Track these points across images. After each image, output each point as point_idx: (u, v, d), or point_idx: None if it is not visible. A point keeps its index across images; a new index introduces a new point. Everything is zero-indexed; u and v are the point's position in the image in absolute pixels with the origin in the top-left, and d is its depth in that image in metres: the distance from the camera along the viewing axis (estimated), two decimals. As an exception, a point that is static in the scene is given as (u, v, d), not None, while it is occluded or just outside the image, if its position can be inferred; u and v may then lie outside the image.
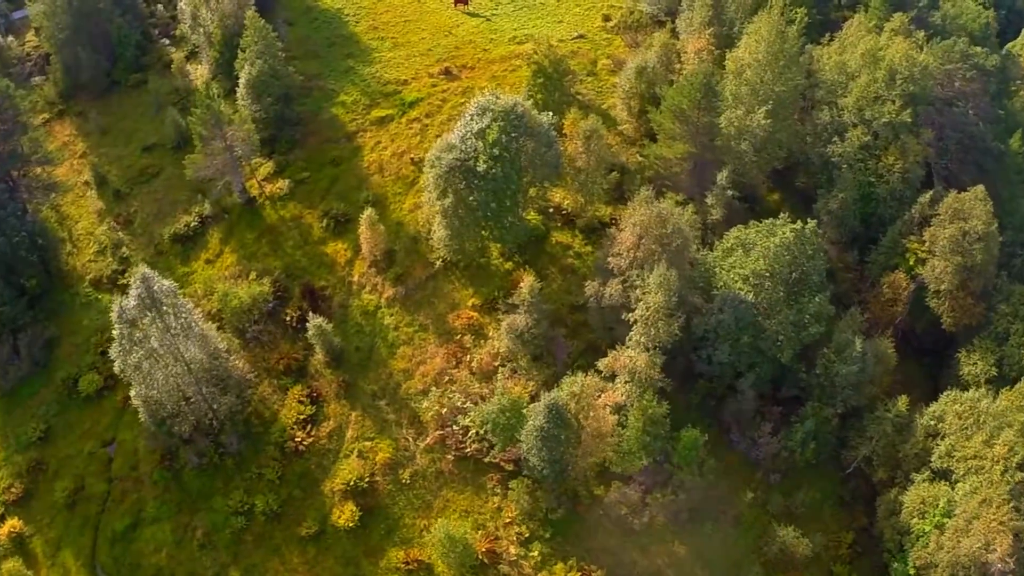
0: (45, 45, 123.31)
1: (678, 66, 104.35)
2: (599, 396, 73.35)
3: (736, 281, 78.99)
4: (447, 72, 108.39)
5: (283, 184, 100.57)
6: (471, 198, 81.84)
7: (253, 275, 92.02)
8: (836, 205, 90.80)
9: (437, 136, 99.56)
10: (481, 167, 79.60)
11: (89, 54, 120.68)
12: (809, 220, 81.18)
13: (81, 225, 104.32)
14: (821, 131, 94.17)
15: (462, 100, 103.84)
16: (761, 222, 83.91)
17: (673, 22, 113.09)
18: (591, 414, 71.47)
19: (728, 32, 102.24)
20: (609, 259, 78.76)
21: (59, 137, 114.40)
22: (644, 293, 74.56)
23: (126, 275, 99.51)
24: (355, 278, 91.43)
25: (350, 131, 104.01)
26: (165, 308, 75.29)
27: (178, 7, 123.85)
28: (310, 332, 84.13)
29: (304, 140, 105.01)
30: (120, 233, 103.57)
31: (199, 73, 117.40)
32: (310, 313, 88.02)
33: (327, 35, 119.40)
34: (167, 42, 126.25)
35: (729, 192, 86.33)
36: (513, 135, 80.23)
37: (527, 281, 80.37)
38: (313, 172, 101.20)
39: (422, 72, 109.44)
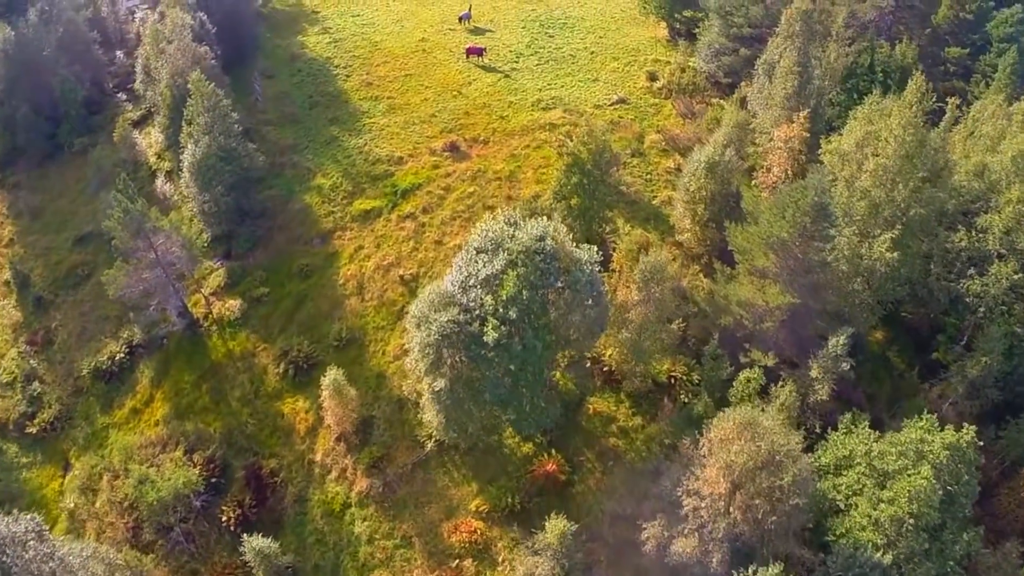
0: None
1: (754, 149, 72.19)
2: None
3: (863, 529, 47.37)
4: (453, 148, 76.56)
5: (235, 305, 69.69)
6: (475, 375, 50.80)
7: (181, 450, 61.38)
8: (977, 371, 58.60)
9: (436, 243, 68.14)
10: (490, 336, 48.29)
11: (28, 113, 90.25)
12: (966, 427, 49.51)
13: (-13, 345, 74.32)
14: (952, 258, 61.69)
15: (471, 190, 72.15)
16: (895, 428, 52.74)
17: (735, 86, 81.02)
18: None
19: (816, 104, 69.97)
20: (681, 497, 47.27)
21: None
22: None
23: (36, 420, 69.69)
24: (318, 456, 60.41)
25: (325, 229, 72.57)
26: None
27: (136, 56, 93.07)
28: (248, 554, 53.61)
29: (268, 238, 73.82)
30: (34, 361, 73.27)
31: (150, 142, 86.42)
32: (255, 506, 57.80)
33: (310, 92, 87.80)
34: (124, 97, 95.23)
35: (845, 364, 54.44)
36: (539, 287, 48.86)
37: (556, 526, 49.09)
38: (274, 287, 70.03)
39: (422, 147, 77.69)
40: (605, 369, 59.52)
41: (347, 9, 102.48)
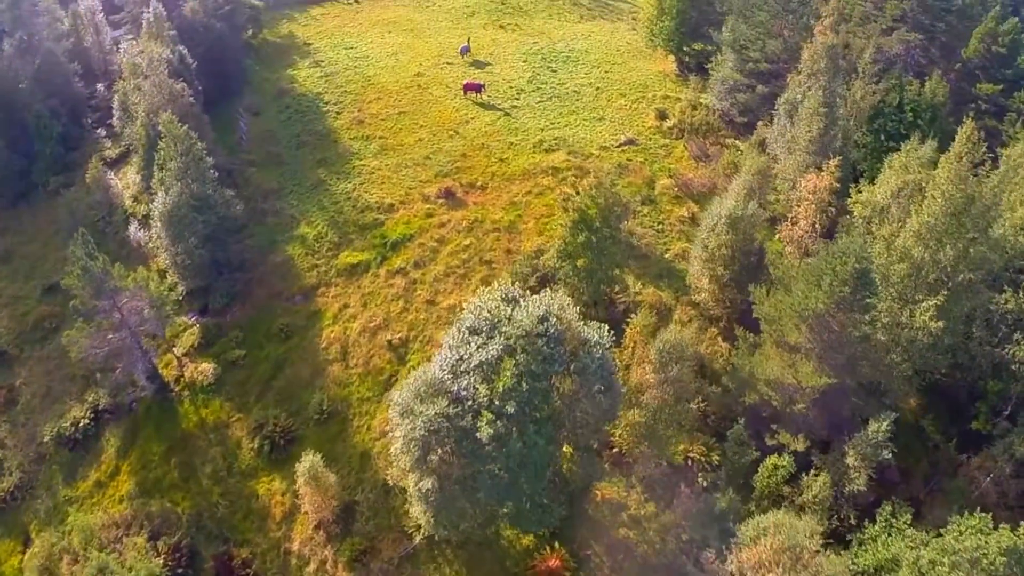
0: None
1: (775, 197, 64.92)
2: None
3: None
4: (448, 194, 69.30)
5: (209, 369, 62.29)
6: (467, 472, 43.35)
7: (144, 536, 53.87)
8: (1024, 450, 51.09)
9: (428, 302, 60.85)
10: (484, 433, 40.89)
11: (1, 149, 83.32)
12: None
13: (-56, 407, 66.86)
14: (997, 321, 54.25)
15: (467, 242, 64.83)
16: (935, 515, 45.31)
17: (751, 125, 73.85)
18: None
19: (842, 147, 62.70)
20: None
21: (-51, 265, 76.95)
22: None
23: (-6, 491, 62.24)
24: (295, 545, 52.77)
25: (308, 284, 65.18)
26: None
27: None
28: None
29: (247, 292, 66.39)
30: (-7, 423, 65.99)
31: (127, 183, 79.29)
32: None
33: (298, 131, 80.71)
34: (103, 133, 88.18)
35: (887, 452, 46.90)
36: (541, 376, 41.48)
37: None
38: (252, 349, 62.56)
39: (415, 192, 70.40)
40: (614, 451, 52.03)
41: (340, 41, 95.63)
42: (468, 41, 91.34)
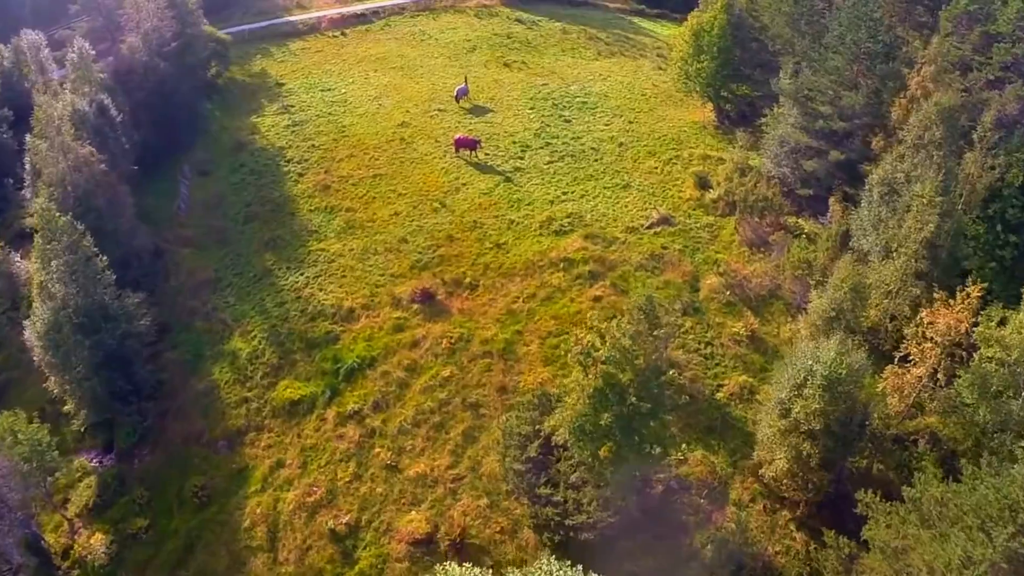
0: None
1: (865, 315, 44.41)
2: None
3: None
4: (426, 296, 49.27)
5: (102, 543, 42.75)
6: None
7: None
8: None
9: (389, 467, 41.05)
10: None
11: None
12: None
13: None
14: None
15: (446, 373, 44.64)
16: None
17: (819, 199, 53.65)
18: None
19: (952, 244, 42.33)
20: None
21: None
22: None
23: None
24: None
25: (235, 426, 45.17)
26: None
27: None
28: None
29: (161, 429, 46.67)
30: None
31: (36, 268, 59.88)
32: None
33: (249, 198, 60.93)
34: (28, 196, 68.83)
35: None
36: None
37: None
38: (159, 517, 42.39)
39: (383, 293, 50.42)
40: None
41: (318, 81, 75.90)
42: (466, 82, 71.49)
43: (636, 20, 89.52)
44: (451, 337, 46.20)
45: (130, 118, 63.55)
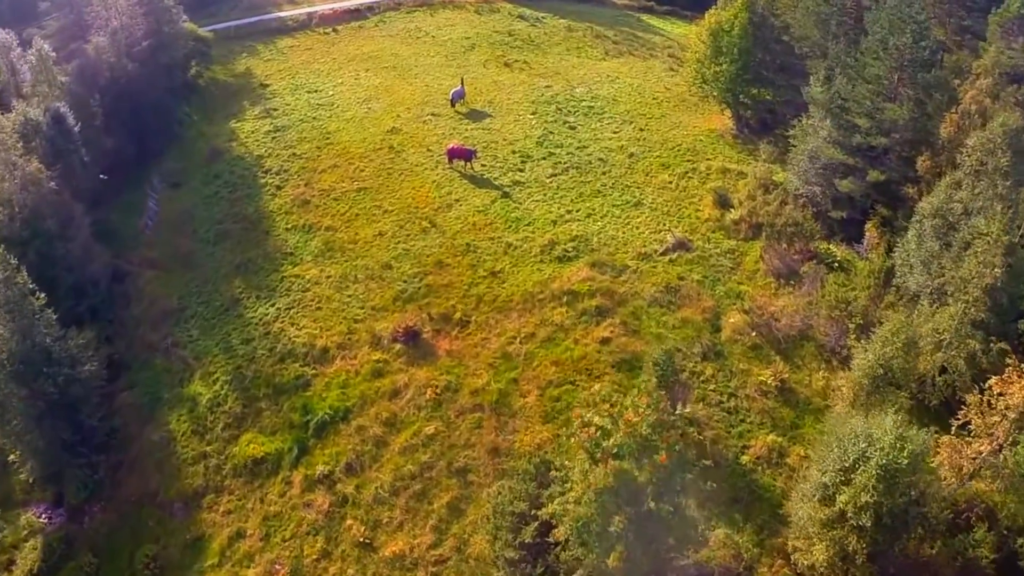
0: None
1: (910, 363, 37.62)
2: None
3: None
4: (410, 335, 42.32)
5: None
6: None
7: None
8: None
9: (361, 545, 34.47)
10: None
11: None
12: None
13: None
14: None
15: (430, 429, 37.98)
16: None
17: (854, 223, 46.87)
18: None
19: (1007, 282, 35.62)
20: None
21: None
22: None
23: None
24: None
25: (192, 486, 38.60)
26: None
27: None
28: None
29: (114, 483, 40.29)
30: None
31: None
32: None
33: (221, 214, 54.31)
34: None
35: None
36: None
37: None
38: (97, 596, 37.16)
39: (361, 329, 43.52)
40: None
41: (304, 82, 69.04)
42: (462, 84, 64.56)
43: (645, 17, 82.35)
44: (437, 386, 39.65)
45: (102, 124, 57.28)
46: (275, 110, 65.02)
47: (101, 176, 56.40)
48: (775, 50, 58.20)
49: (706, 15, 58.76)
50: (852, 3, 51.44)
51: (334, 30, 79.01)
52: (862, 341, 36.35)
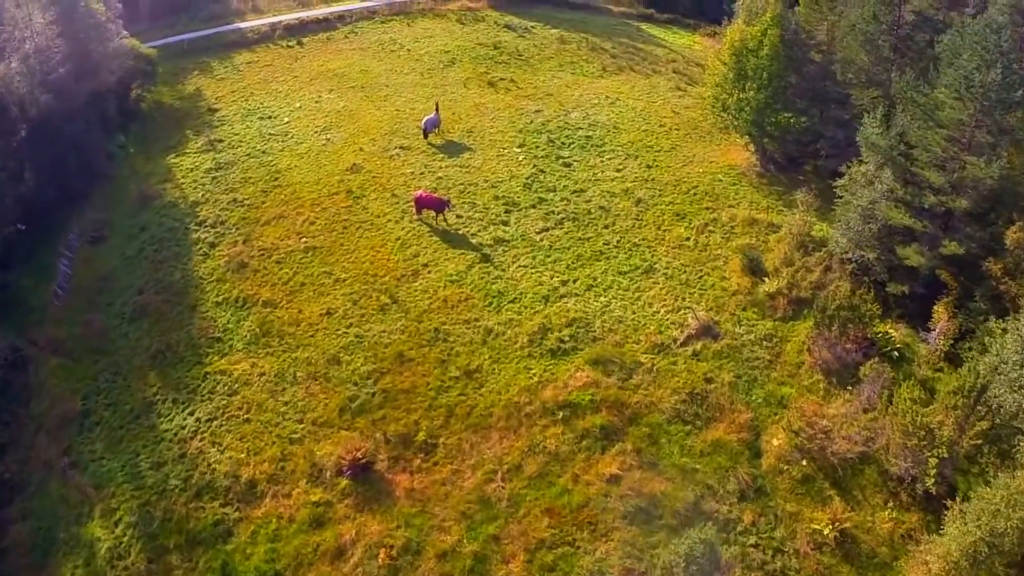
0: None
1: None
2: None
3: None
4: (360, 468, 31.38)
5: None
6: None
7: None
8: None
9: None
10: None
11: None
12: None
13: None
14: None
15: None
16: None
17: (920, 299, 36.24)
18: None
19: None
20: None
21: None
22: None
23: None
24: None
25: None
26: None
27: None
28: None
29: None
30: None
31: None
32: None
33: (144, 281, 43.03)
34: None
35: None
36: None
37: None
38: None
39: (298, 454, 32.49)
40: None
41: (258, 106, 57.79)
42: (437, 110, 53.37)
43: (644, 27, 70.94)
44: (392, 545, 28.93)
45: (15, 166, 46.49)
46: (220, 141, 53.90)
47: (17, 227, 45.87)
48: (807, 72, 47.20)
49: (727, 31, 47.71)
50: (908, 23, 40.37)
51: (299, 43, 67.75)
52: (958, 502, 25.79)
